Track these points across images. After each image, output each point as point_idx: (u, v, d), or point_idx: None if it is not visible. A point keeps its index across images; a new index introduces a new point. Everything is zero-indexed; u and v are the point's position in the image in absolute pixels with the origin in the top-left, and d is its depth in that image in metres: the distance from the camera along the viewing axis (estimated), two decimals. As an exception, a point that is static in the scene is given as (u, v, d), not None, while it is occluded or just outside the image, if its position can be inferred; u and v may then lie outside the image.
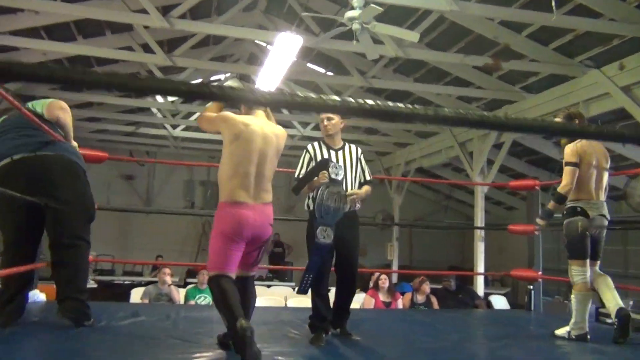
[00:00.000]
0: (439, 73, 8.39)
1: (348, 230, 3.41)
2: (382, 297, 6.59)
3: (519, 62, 7.02)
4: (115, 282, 9.89)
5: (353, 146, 3.61)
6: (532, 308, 5.09)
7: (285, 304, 6.98)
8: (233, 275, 2.79)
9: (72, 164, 3.31)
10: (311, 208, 3.38)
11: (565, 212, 3.67)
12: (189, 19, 7.28)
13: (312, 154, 3.52)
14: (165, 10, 6.41)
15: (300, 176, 3.45)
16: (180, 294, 6.72)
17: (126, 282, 9.80)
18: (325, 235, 3.27)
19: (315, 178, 3.33)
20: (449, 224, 14.56)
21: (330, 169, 3.28)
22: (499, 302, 8.69)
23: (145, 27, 7.00)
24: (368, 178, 3.59)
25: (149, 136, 12.94)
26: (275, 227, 11.56)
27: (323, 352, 3.11)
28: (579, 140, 3.58)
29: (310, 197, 3.43)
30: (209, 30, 7.13)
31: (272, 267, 11.58)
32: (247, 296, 2.91)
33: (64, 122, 3.37)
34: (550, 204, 3.67)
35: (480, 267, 8.83)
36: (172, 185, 14.58)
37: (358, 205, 3.54)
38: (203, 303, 6.52)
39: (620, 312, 3.42)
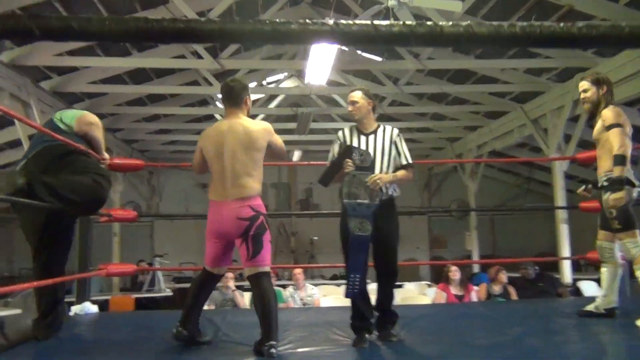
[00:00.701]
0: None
1: (384, 220, 3.12)
2: (454, 290, 6.18)
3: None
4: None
5: (388, 128, 3.30)
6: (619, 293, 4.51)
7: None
8: (213, 270, 3.01)
9: None
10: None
11: (606, 183, 3.35)
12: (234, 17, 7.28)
13: (342, 140, 3.30)
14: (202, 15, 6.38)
15: (329, 160, 3.26)
16: (244, 298, 6.66)
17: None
18: (361, 227, 3.01)
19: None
20: (524, 207, 13.65)
21: (354, 156, 3.04)
22: (590, 288, 7.93)
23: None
24: (404, 162, 3.24)
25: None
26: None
27: (364, 354, 2.87)
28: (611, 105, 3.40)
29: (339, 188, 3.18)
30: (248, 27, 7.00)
31: (339, 265, 11.29)
32: (257, 299, 2.84)
33: (93, 135, 3.28)
34: (618, 170, 3.21)
35: (565, 251, 8.13)
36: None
37: (395, 191, 3.24)
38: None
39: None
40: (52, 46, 6.96)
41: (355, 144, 3.19)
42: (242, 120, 3.00)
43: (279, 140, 3.08)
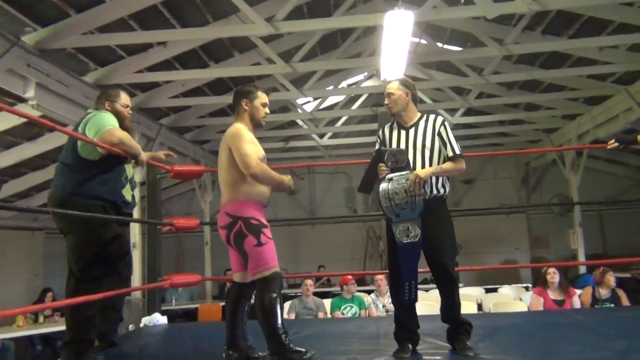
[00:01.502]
0: (598, 23, 7.06)
1: (432, 222, 2.83)
2: (552, 294, 5.60)
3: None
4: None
5: (432, 117, 3.01)
6: None
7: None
8: (236, 278, 3.02)
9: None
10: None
11: None
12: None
13: (382, 139, 3.07)
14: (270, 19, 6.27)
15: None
16: (326, 306, 6.46)
17: (290, 295, 9.88)
18: (407, 233, 2.73)
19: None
20: (635, 200, 12.34)
21: (386, 159, 2.80)
22: None
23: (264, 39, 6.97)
24: (451, 153, 2.93)
25: (303, 149, 13.14)
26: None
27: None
28: None
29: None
30: (318, 26, 6.84)
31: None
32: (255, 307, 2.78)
33: (123, 147, 3.06)
34: None
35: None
36: (333, 194, 14.62)
37: (444, 188, 2.94)
38: (349, 314, 6.17)
39: None
40: (132, 63, 7.21)
41: (394, 140, 2.97)
42: (232, 125, 2.99)
43: (241, 148, 2.83)
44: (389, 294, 6.42)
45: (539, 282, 5.85)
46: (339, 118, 11.56)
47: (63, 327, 3.06)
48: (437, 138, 2.94)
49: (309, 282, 6.45)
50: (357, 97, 11.09)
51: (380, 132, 3.10)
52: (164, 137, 9.34)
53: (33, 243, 11.39)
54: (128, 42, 6.69)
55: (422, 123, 2.98)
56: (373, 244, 14.13)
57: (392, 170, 2.79)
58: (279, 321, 2.67)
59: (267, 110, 3.06)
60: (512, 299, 6.95)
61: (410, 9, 5.85)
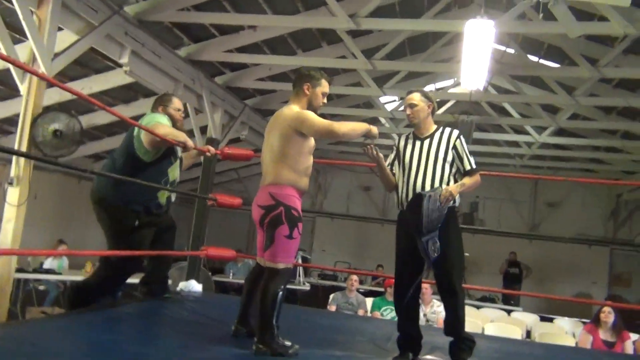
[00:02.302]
0: None
1: (441, 233, 2.83)
2: (603, 334, 5.27)
3: None
4: (335, 286, 10.13)
5: (447, 130, 3.03)
6: None
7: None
8: (260, 260, 2.99)
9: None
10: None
11: None
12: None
13: (397, 148, 3.11)
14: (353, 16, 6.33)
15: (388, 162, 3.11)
16: (367, 304, 6.48)
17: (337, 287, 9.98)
18: (435, 249, 2.78)
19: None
20: None
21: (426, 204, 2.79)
22: None
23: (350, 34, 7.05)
24: (468, 167, 2.95)
25: (382, 147, 13.07)
26: (513, 245, 10.55)
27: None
28: None
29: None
30: (399, 26, 6.81)
31: (498, 290, 10.39)
32: (259, 293, 2.80)
33: (171, 137, 3.36)
34: None
35: None
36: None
37: (455, 202, 2.94)
38: (388, 316, 6.17)
39: None
40: (223, 43, 7.55)
41: (408, 150, 3.01)
42: (287, 107, 2.93)
43: (315, 122, 2.81)
44: (433, 302, 6.34)
45: (593, 319, 5.53)
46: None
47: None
48: (451, 151, 2.95)
49: (355, 277, 6.50)
50: (444, 102, 10.87)
51: (397, 139, 3.13)
52: (246, 117, 9.70)
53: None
54: (221, 22, 7.01)
55: (437, 135, 3.00)
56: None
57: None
58: (276, 315, 2.70)
59: (324, 100, 3.02)
60: (564, 331, 6.62)
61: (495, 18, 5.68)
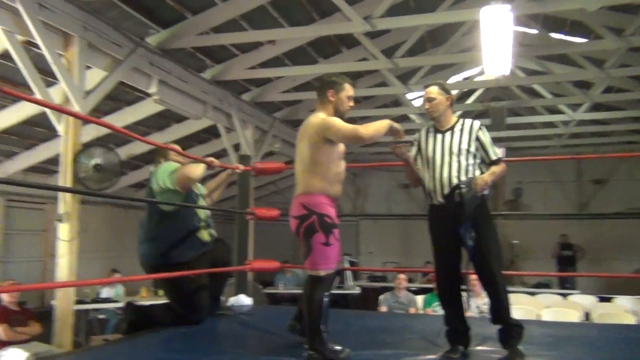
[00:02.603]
0: None
1: (478, 223, 2.83)
2: (663, 308, 5.12)
3: None
4: (385, 287, 10.10)
5: (469, 122, 3.00)
6: None
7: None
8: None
9: None
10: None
11: None
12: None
13: (418, 142, 3.08)
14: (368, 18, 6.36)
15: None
16: (417, 301, 6.46)
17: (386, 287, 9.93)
18: (472, 237, 2.79)
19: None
20: None
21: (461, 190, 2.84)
22: None
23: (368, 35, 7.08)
24: (493, 157, 2.94)
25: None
26: (563, 227, 10.32)
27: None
28: None
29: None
30: (414, 22, 6.79)
31: (552, 274, 10.15)
32: (303, 301, 2.84)
33: (195, 174, 3.53)
34: None
35: None
36: (449, 190, 14.32)
37: (486, 191, 2.91)
38: (440, 312, 6.12)
39: None
40: (245, 60, 7.71)
41: (430, 143, 3.00)
42: (313, 116, 2.95)
43: (341, 128, 2.83)
44: (484, 294, 6.26)
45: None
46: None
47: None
48: (475, 142, 2.93)
49: (402, 276, 6.49)
50: (472, 92, 10.75)
51: (417, 134, 3.11)
52: (277, 130, 9.84)
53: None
54: (240, 41, 7.16)
55: (458, 126, 2.98)
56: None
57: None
58: (323, 321, 2.74)
59: (351, 103, 3.00)
60: (624, 310, 6.43)
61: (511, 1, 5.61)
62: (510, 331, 2.84)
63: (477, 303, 6.11)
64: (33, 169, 8.78)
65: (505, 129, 9.81)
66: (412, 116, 11.06)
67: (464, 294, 6.31)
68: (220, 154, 9.01)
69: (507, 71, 6.88)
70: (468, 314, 5.99)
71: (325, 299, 2.77)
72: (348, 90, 3.00)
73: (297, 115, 10.21)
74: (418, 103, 10.18)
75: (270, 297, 8.99)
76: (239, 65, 7.74)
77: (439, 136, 2.98)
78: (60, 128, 5.25)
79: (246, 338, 3.41)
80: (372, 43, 7.32)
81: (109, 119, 7.95)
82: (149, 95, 6.91)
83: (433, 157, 2.94)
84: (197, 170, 3.51)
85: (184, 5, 6.30)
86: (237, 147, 8.87)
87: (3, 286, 4.79)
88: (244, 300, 4.43)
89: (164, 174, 3.49)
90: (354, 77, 9.32)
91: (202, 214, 3.67)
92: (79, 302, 6.28)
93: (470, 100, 10.77)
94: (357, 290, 9.43)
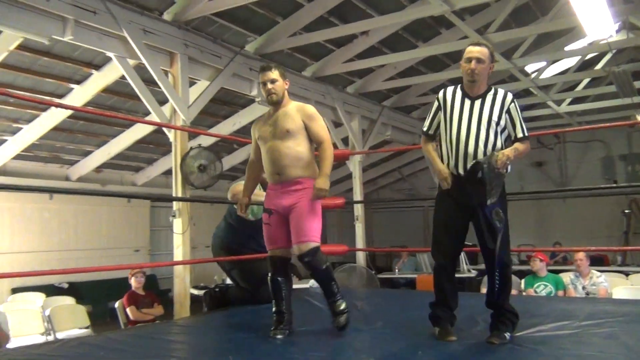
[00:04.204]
0: None
1: (471, 194, 2.75)
2: None
3: None
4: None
5: (501, 92, 2.77)
6: None
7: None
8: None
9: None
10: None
11: None
12: None
13: (442, 102, 2.84)
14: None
15: (426, 129, 2.92)
16: (521, 283, 6.24)
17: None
18: (500, 218, 2.68)
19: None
20: None
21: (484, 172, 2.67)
22: None
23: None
24: (520, 134, 2.74)
25: (544, 117, 12.28)
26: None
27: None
28: None
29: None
30: None
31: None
32: None
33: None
34: None
35: None
36: (587, 165, 13.27)
37: (509, 167, 2.74)
38: (543, 292, 5.90)
39: None
40: (342, 54, 7.98)
41: (456, 107, 2.78)
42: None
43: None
44: (592, 273, 5.88)
45: None
46: (577, 84, 10.49)
47: (296, 285, 4.01)
48: (505, 115, 2.75)
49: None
50: (596, 60, 9.84)
51: (441, 94, 2.86)
52: (386, 118, 9.98)
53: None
54: (332, 37, 7.42)
55: (489, 96, 2.75)
56: (637, 219, 12.43)
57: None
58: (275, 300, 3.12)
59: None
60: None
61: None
62: (503, 317, 2.74)
63: (584, 283, 5.78)
64: (169, 171, 9.94)
65: (636, 94, 8.90)
66: (533, 90, 10.48)
67: (572, 274, 6.01)
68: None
69: (613, 32, 6.31)
70: (573, 294, 5.72)
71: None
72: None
73: (407, 102, 10.25)
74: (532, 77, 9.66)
75: (386, 282, 9.18)
76: (337, 60, 8.04)
77: (468, 102, 2.76)
78: (171, 136, 6.01)
79: (309, 315, 3.67)
80: (469, 21, 7.14)
81: (226, 122, 8.76)
82: (252, 98, 7.51)
83: (459, 125, 2.75)
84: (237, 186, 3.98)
85: (273, 11, 6.75)
86: (345, 140, 9.19)
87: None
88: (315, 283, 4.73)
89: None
90: (458, 57, 9.09)
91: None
92: (195, 287, 7.07)
93: (599, 66, 9.91)
94: (471, 274, 9.24)
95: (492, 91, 2.79)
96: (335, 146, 9.30)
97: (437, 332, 2.78)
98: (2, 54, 5.69)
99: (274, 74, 3.09)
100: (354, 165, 8.94)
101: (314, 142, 3.10)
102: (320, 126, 3.10)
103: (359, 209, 8.68)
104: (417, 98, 10.21)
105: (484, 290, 6.18)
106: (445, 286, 2.82)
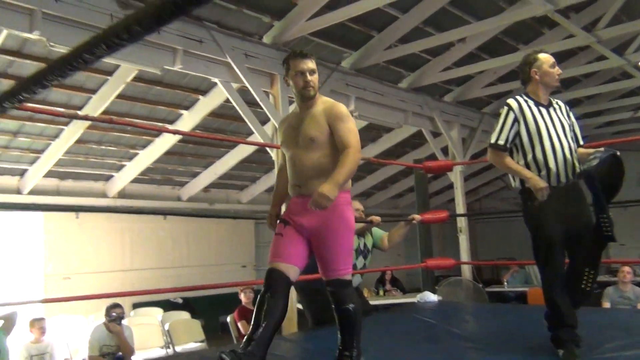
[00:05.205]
0: None
1: (575, 203, 2.68)
2: None
3: None
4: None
5: (560, 102, 2.83)
6: None
7: None
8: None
9: None
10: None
11: None
12: None
13: (518, 113, 2.73)
14: None
15: (501, 141, 2.74)
16: None
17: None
18: (611, 223, 2.65)
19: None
20: None
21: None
22: None
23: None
24: (581, 142, 2.81)
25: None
26: None
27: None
28: None
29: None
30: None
31: None
32: None
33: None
34: None
35: None
36: None
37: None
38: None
39: None
40: (438, 63, 7.85)
41: (537, 116, 2.72)
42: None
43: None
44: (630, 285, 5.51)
45: None
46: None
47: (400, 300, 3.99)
48: (572, 122, 2.81)
49: (627, 269, 5.85)
50: None
51: (514, 102, 2.77)
52: (487, 125, 9.65)
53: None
54: (429, 46, 7.32)
55: (555, 105, 2.80)
56: None
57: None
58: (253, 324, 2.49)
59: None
60: None
61: None
62: (558, 328, 2.67)
63: (624, 294, 5.33)
64: (272, 189, 10.24)
65: None
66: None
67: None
68: (430, 159, 9.24)
69: None
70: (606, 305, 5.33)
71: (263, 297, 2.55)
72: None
73: (508, 107, 9.83)
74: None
75: (495, 296, 8.81)
76: (434, 69, 7.91)
77: (544, 110, 2.73)
78: (273, 155, 6.19)
79: (412, 332, 3.61)
80: (575, 18, 6.77)
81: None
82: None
83: (549, 134, 2.67)
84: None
85: (368, 25, 6.79)
86: (444, 150, 8.99)
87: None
88: (430, 296, 4.63)
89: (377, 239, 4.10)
90: (567, 57, 8.62)
91: (355, 242, 3.97)
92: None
93: None
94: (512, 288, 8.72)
95: (553, 101, 2.84)
96: (434, 157, 9.23)
97: (561, 355, 2.61)
98: (120, 86, 6.19)
99: (314, 63, 2.64)
100: (456, 176, 8.71)
101: (338, 147, 2.53)
102: (348, 129, 2.56)
103: (462, 221, 8.42)
104: (519, 103, 9.76)
105: (606, 304, 5.82)
106: (559, 302, 2.65)
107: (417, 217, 4.40)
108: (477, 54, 7.95)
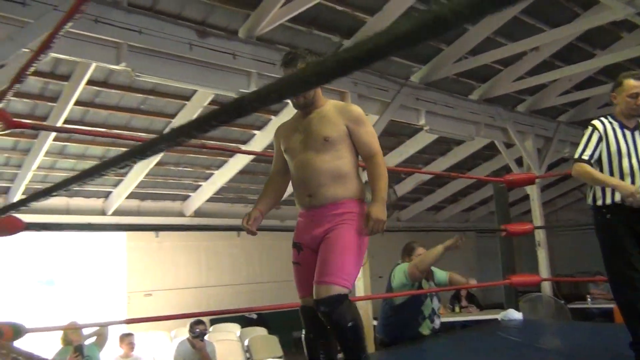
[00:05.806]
0: None
1: None
2: None
3: None
4: None
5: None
6: None
7: None
8: None
9: None
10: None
11: None
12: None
13: (602, 133, 2.72)
14: None
15: (585, 156, 2.70)
16: None
17: None
18: None
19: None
20: None
21: None
22: None
23: None
24: None
25: None
26: None
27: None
28: None
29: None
30: None
31: None
32: None
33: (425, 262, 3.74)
34: None
35: None
36: None
37: None
38: None
39: None
40: (511, 73, 7.67)
41: (622, 140, 2.69)
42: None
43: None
44: None
45: None
46: None
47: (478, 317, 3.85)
48: None
49: None
50: None
51: (599, 123, 2.75)
52: (564, 134, 9.31)
53: (467, 241, 13.00)
54: (501, 57, 7.18)
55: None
56: None
57: None
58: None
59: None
60: None
61: None
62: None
63: None
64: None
65: None
66: None
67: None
68: (504, 170, 9.03)
69: None
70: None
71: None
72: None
73: (587, 115, 9.44)
74: None
75: (577, 313, 8.40)
76: (506, 79, 7.74)
77: (628, 133, 2.72)
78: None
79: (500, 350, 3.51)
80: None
81: (393, 153, 8.86)
82: (419, 127, 7.52)
83: (629, 156, 2.67)
84: (425, 261, 3.67)
85: (438, 39, 6.72)
86: (519, 161, 8.74)
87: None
88: (514, 314, 4.48)
89: (400, 274, 3.81)
90: (646, 62, 8.22)
91: (427, 310, 3.87)
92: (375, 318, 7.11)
93: None
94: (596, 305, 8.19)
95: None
96: (507, 168, 8.98)
97: None
98: (197, 110, 6.44)
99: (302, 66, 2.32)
100: (532, 187, 8.43)
101: (360, 154, 2.38)
102: (372, 134, 2.37)
103: (540, 234, 8.12)
104: (597, 110, 9.37)
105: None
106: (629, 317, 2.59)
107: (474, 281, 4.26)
108: (551, 62, 7.71)
